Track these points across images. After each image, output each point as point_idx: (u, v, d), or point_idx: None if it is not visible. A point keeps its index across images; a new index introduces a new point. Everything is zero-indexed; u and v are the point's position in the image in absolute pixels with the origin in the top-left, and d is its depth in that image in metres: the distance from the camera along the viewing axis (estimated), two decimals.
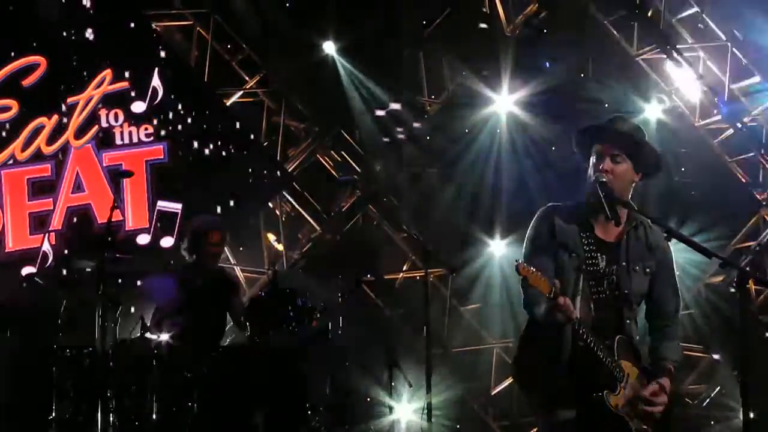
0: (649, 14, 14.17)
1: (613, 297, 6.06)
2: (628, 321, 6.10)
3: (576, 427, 5.94)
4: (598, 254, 6.05)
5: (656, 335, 6.25)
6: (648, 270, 6.16)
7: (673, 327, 6.29)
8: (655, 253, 6.18)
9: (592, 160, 6.18)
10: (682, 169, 14.14)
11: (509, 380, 13.89)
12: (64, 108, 12.78)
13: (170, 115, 12.98)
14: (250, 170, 13.21)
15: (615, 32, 14.21)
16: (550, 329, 5.90)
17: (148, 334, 9.33)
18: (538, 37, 14.05)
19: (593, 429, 5.94)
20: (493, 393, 14.09)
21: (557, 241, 6.05)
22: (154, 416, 9.02)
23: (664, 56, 14.27)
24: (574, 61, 13.91)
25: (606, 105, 13.56)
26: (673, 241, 5.93)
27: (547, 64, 13.88)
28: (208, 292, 9.93)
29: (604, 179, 6.15)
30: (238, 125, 13.40)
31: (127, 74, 12.93)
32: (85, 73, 12.89)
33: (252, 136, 13.51)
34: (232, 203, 13.04)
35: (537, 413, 6.20)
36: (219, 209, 12.83)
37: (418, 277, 13.62)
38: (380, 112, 13.83)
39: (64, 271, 12.22)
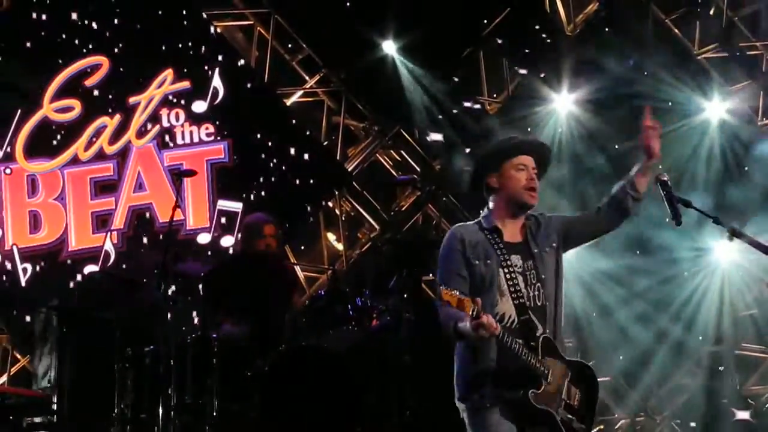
0: (711, 12, 14.06)
1: (536, 290, 6.36)
2: (548, 309, 6.39)
3: (503, 425, 6.20)
4: (511, 255, 6.34)
5: (603, 205, 6.60)
6: (554, 245, 6.48)
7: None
8: (550, 228, 6.49)
9: (513, 172, 6.40)
10: (745, 168, 13.99)
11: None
12: (125, 108, 12.89)
13: (231, 115, 13.04)
14: (310, 170, 13.24)
15: (676, 30, 14.11)
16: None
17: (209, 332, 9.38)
18: (598, 35, 13.97)
19: (521, 425, 6.22)
20: None
21: (469, 255, 6.31)
22: (214, 414, 9.07)
23: (726, 54, 14.15)
24: (635, 60, 13.82)
25: (670, 104, 13.46)
26: (736, 241, 5.91)
27: (631, 62, 13.74)
28: (268, 288, 9.92)
29: (665, 178, 6.40)
30: (298, 125, 13.44)
31: (188, 74, 13.01)
32: (146, 73, 12.99)
33: (312, 136, 13.55)
34: (292, 202, 13.08)
35: (467, 415, 6.34)
36: (279, 208, 12.88)
37: None
38: (440, 111, 13.81)
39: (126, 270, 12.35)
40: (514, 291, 6.27)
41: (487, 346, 6.18)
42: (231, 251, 12.46)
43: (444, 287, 5.96)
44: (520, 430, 6.22)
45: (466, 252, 6.32)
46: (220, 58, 13.16)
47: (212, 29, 13.31)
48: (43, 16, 12.94)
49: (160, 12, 13.10)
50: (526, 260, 6.37)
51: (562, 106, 13.84)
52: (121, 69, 12.94)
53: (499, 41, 14.05)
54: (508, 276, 6.28)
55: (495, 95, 14.28)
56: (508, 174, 6.39)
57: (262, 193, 13.01)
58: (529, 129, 13.79)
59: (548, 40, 14.04)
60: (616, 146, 13.68)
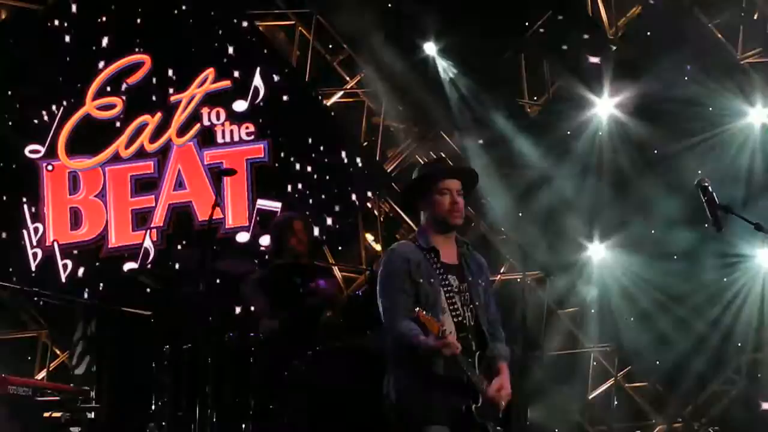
0: (755, 17, 13.97)
1: (470, 311, 6.76)
2: (484, 328, 6.77)
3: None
4: (448, 276, 6.75)
5: (491, 338, 6.83)
6: (483, 284, 6.89)
7: (499, 331, 6.95)
8: (482, 270, 6.95)
9: (438, 196, 6.78)
10: None
11: (606, 385, 13.81)
12: (167, 106, 12.94)
13: (271, 115, 13.07)
14: (349, 170, 13.25)
15: (719, 35, 14.02)
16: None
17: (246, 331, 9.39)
18: (640, 39, 13.90)
19: None
20: (589, 397, 13.99)
21: (414, 274, 6.67)
22: (251, 413, 9.08)
23: None
24: (677, 64, 13.74)
25: (710, 109, 13.39)
26: None
27: (689, 67, 13.64)
28: (302, 285, 9.90)
29: (706, 183, 6.53)
30: (337, 125, 13.45)
31: (229, 73, 13.06)
32: (188, 72, 13.04)
33: (351, 137, 13.56)
34: (331, 203, 13.10)
35: (404, 421, 6.66)
36: (318, 208, 12.91)
37: (518, 279, 13.57)
38: (479, 113, 13.78)
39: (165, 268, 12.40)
40: (453, 309, 6.68)
41: (437, 360, 6.51)
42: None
43: (418, 309, 6.40)
44: None
45: (411, 271, 6.68)
46: (261, 57, 13.19)
47: (255, 28, 13.34)
48: (86, 14, 13.02)
49: (202, 11, 13.15)
50: (461, 282, 6.79)
51: (603, 109, 13.78)
52: (163, 67, 13.00)
53: (540, 44, 14.01)
54: (447, 295, 6.70)
55: (535, 98, 14.24)
56: (433, 198, 6.78)
57: (302, 193, 13.03)
58: (568, 132, 13.76)
59: (590, 44, 13.98)
60: (656, 151, 13.61)
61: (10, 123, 12.80)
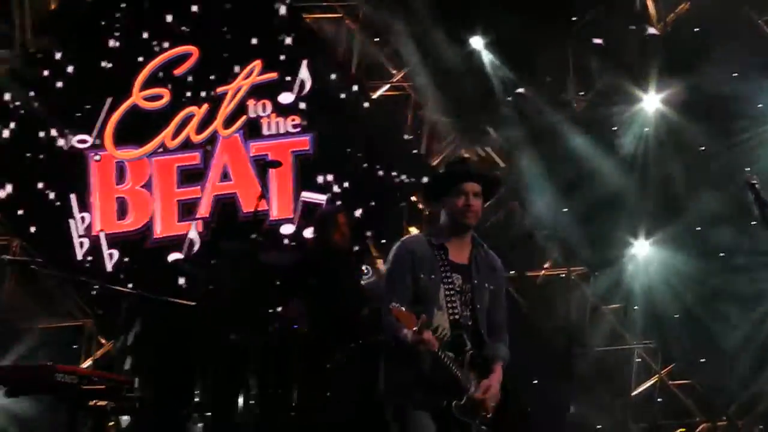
0: None
1: (469, 311, 6.90)
2: (482, 331, 6.91)
3: (428, 426, 6.72)
4: (453, 274, 6.89)
5: (492, 339, 6.97)
6: (492, 288, 7.01)
7: (503, 334, 7.06)
8: (495, 273, 7.06)
9: (453, 197, 6.93)
10: None
11: (650, 382, 13.75)
12: (213, 98, 13.00)
13: (317, 107, 13.10)
14: (394, 163, 13.26)
15: None
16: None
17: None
18: (688, 35, 13.82)
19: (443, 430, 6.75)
20: (633, 394, 13.93)
21: (416, 268, 6.85)
22: (294, 404, 9.11)
23: None
24: (725, 60, 13.64)
25: (759, 105, 13.29)
26: None
27: (737, 63, 13.52)
28: (344, 278, 9.91)
29: (755, 181, 6.62)
30: (383, 118, 13.46)
31: (275, 65, 13.10)
32: (234, 64, 13.09)
33: (397, 130, 13.57)
34: (375, 196, 13.12)
35: (392, 413, 6.84)
36: (362, 201, 12.93)
37: (562, 275, 13.54)
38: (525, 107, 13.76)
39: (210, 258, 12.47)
40: (450, 307, 6.83)
41: (423, 355, 6.63)
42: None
43: (395, 305, 6.50)
44: None
45: (414, 265, 6.86)
46: (308, 50, 13.22)
47: (302, 21, 13.37)
48: (134, 5, 13.09)
49: (249, 3, 13.19)
50: (465, 283, 6.92)
51: (649, 105, 13.71)
52: (210, 59, 13.05)
53: (588, 38, 13.95)
54: (447, 292, 6.84)
55: (581, 93, 14.19)
56: (450, 198, 6.92)
57: (346, 186, 13.06)
58: (614, 128, 13.70)
59: (637, 39, 13.91)
60: (702, 147, 13.53)
61: (58, 113, 12.88)
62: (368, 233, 12.95)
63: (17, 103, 12.84)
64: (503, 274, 7.14)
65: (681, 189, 13.22)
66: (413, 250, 6.92)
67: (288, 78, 13.12)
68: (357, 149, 13.15)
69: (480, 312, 6.89)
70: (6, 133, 12.79)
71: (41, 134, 12.80)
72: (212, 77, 13.09)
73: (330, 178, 13.03)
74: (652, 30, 13.68)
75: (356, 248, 9.59)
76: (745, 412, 13.79)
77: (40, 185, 12.76)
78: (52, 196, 12.77)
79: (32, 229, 12.73)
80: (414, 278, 6.83)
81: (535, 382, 10.94)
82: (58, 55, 12.95)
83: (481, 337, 6.89)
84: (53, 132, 12.81)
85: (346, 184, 13.05)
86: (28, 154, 12.80)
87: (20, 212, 12.76)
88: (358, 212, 12.82)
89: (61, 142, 12.82)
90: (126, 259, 12.71)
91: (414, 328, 6.47)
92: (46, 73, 12.92)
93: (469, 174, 7.05)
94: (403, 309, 6.49)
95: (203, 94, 13.07)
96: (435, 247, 6.92)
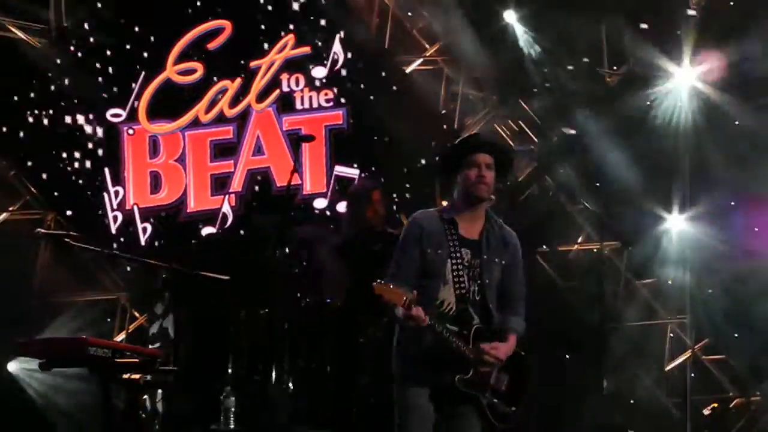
0: None
1: (477, 286, 6.94)
2: (491, 305, 6.95)
3: (430, 403, 6.84)
4: (462, 249, 6.94)
5: (506, 312, 7.05)
6: (503, 263, 7.04)
7: (519, 308, 7.13)
8: (508, 248, 7.08)
9: (466, 169, 6.99)
10: None
11: (683, 357, 13.70)
12: (246, 72, 13.00)
13: (350, 82, 13.09)
14: (427, 138, 13.24)
15: None
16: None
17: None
18: (723, 10, 13.70)
19: (447, 406, 6.86)
20: (666, 369, 13.90)
21: (424, 242, 6.92)
22: (327, 378, 9.14)
23: None
24: (762, 36, 13.52)
25: None
26: None
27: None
28: (380, 255, 9.91)
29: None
30: (416, 93, 13.43)
31: (309, 39, 13.08)
32: (268, 38, 13.08)
33: (430, 104, 13.54)
34: (406, 170, 13.11)
35: (396, 388, 6.96)
36: (395, 176, 12.93)
37: (594, 250, 13.51)
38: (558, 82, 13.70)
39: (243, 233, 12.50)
40: (457, 282, 6.89)
41: (423, 330, 6.73)
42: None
43: (378, 281, 6.65)
44: (447, 411, 6.85)
45: (422, 239, 6.92)
46: (341, 24, 13.20)
47: None
48: None
49: None
50: (474, 258, 6.97)
51: (684, 80, 13.63)
52: (244, 33, 13.05)
53: (622, 12, 13.86)
54: (454, 267, 6.90)
55: (615, 67, 14.11)
56: (462, 171, 6.98)
57: (379, 160, 13.05)
58: (648, 102, 13.62)
59: (672, 12, 13.81)
60: (736, 122, 13.44)
61: (91, 86, 12.92)
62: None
63: (51, 77, 12.88)
64: (518, 250, 7.16)
65: (715, 164, 13.14)
66: (422, 225, 6.99)
67: (321, 52, 13.10)
68: (390, 123, 13.11)
69: (488, 287, 6.95)
70: (40, 109, 12.83)
71: (75, 109, 12.83)
72: (245, 51, 13.08)
73: (363, 152, 13.01)
74: (690, 12, 13.56)
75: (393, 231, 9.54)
76: None
77: (75, 159, 12.81)
78: (86, 169, 12.81)
79: (66, 203, 12.79)
80: (421, 252, 6.90)
81: (568, 356, 10.90)
82: (91, 30, 12.95)
83: (489, 311, 6.96)
84: (86, 107, 12.84)
85: (378, 158, 13.02)
86: (63, 129, 12.84)
87: (54, 186, 12.82)
88: (390, 186, 12.79)
89: (94, 116, 12.85)
90: (159, 233, 12.76)
91: (402, 305, 6.56)
92: (79, 47, 12.93)
93: (480, 144, 7.13)
94: (391, 285, 6.61)
95: (237, 68, 13.07)
96: (446, 221, 6.98)
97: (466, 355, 6.75)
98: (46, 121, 12.81)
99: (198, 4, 13.05)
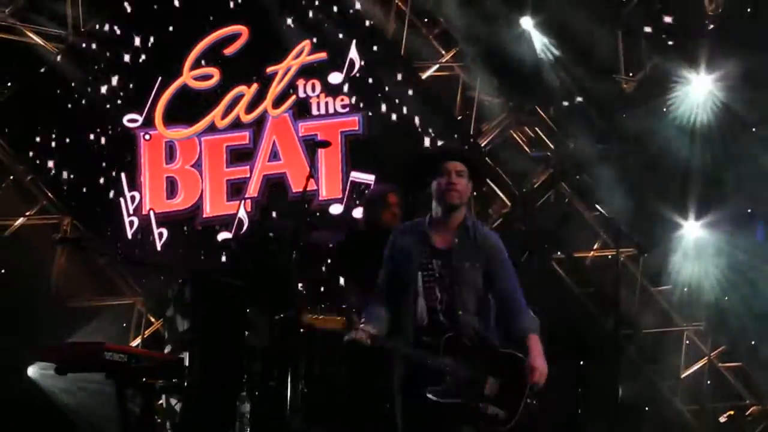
0: None
1: (450, 297, 6.88)
2: (461, 313, 6.87)
3: (423, 415, 6.80)
4: (433, 260, 6.91)
5: (507, 315, 7.00)
6: (478, 265, 6.93)
7: (520, 305, 7.03)
8: (484, 251, 6.97)
9: (437, 177, 6.98)
10: None
11: (700, 363, 13.68)
12: (263, 77, 13.02)
13: (366, 87, 13.10)
14: (443, 144, 13.23)
15: None
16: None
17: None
18: (740, 15, 13.68)
19: (433, 417, 6.78)
20: (682, 376, 13.87)
21: (395, 257, 7.00)
22: (342, 385, 9.13)
23: None
24: None
25: None
26: None
27: None
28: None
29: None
30: (432, 99, 13.43)
31: (325, 45, 13.09)
32: (284, 44, 13.10)
33: (446, 110, 13.53)
34: (425, 176, 13.08)
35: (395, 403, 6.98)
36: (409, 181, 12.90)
37: (609, 256, 13.48)
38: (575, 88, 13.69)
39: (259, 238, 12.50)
40: (428, 294, 6.86)
41: (390, 351, 6.92)
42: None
43: (313, 315, 6.99)
44: (439, 423, 6.78)
45: (394, 254, 7.02)
46: (357, 30, 13.21)
47: (351, 1, 13.35)
48: None
49: None
50: (445, 267, 6.91)
51: (700, 86, 13.60)
52: (260, 39, 13.07)
53: (638, 19, 13.86)
54: (425, 279, 6.88)
55: (631, 74, 14.10)
56: (433, 182, 6.99)
57: (395, 166, 13.04)
58: (664, 109, 13.60)
59: (688, 19, 13.80)
60: (753, 129, 13.42)
61: (108, 92, 12.96)
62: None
63: (67, 83, 12.93)
64: (498, 250, 7.05)
65: (731, 171, 13.11)
66: (395, 240, 7.07)
67: (338, 58, 13.11)
68: (406, 129, 13.11)
69: (461, 295, 6.89)
70: (56, 114, 12.89)
71: (92, 114, 12.88)
72: (262, 57, 13.10)
73: (379, 157, 13.00)
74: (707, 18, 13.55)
75: None
76: None
77: (92, 164, 12.86)
78: (102, 175, 12.86)
79: (83, 208, 12.83)
80: (393, 267, 6.98)
81: (582, 363, 10.86)
82: (108, 35, 13.00)
83: (464, 319, 6.87)
84: (103, 112, 12.89)
85: (394, 165, 13.01)
86: (79, 135, 12.88)
87: (71, 191, 12.86)
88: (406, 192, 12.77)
89: (110, 121, 12.90)
90: (175, 239, 12.78)
91: (344, 327, 6.69)
92: (96, 52, 12.98)
93: (448, 152, 7.23)
94: (319, 317, 6.87)
95: (253, 73, 13.09)
96: (420, 233, 7.01)
97: (436, 367, 6.74)
98: (62, 127, 12.86)
99: (215, 10, 13.08)
